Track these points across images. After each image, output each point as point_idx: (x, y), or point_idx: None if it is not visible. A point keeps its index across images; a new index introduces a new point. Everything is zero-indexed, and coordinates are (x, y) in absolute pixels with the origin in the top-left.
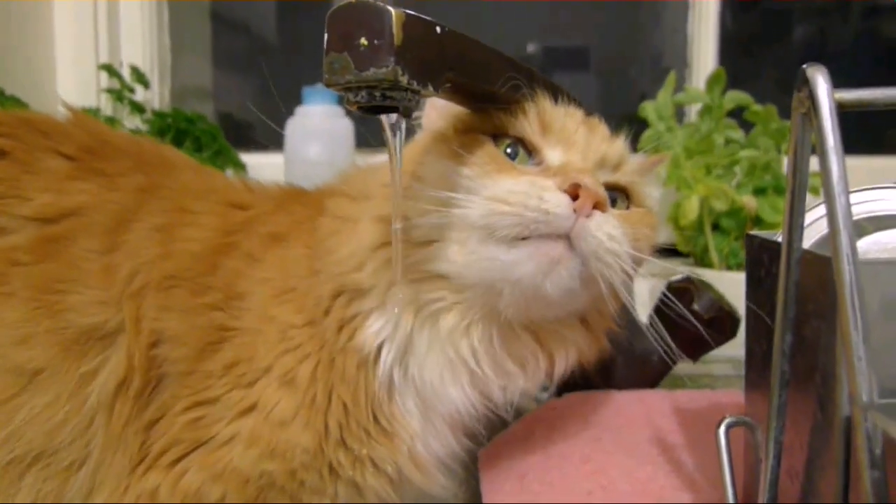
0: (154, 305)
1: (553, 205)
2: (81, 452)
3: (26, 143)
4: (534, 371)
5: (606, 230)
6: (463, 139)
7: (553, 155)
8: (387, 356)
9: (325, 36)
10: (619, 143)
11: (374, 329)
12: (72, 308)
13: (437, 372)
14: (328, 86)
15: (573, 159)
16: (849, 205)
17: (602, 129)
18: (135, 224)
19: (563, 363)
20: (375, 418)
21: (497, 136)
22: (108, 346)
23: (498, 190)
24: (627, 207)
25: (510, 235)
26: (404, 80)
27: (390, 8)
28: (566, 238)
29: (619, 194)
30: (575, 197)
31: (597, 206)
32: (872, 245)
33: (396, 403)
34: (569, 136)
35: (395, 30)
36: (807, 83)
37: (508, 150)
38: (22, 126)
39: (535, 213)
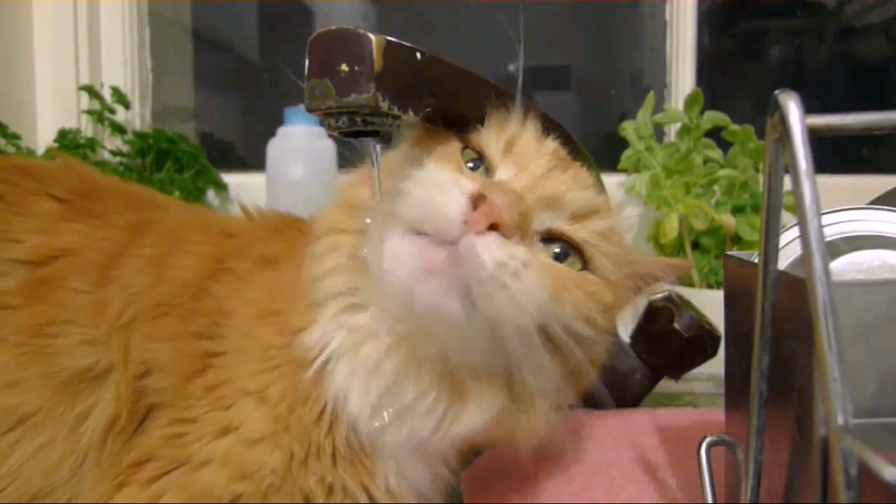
0: (143, 335)
1: (449, 204)
2: (76, 490)
3: (17, 186)
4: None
5: (496, 256)
6: (435, 136)
7: (503, 173)
8: (333, 377)
9: (306, 61)
10: (589, 195)
11: (313, 338)
12: (62, 351)
13: (366, 402)
14: (309, 111)
15: (515, 182)
16: (821, 228)
17: (576, 171)
18: (126, 259)
19: (468, 428)
20: (337, 445)
21: (466, 147)
22: (100, 385)
23: (426, 175)
24: (583, 269)
25: (410, 225)
26: (385, 105)
27: (370, 34)
28: (454, 248)
29: (571, 251)
30: (475, 209)
31: (498, 227)
32: (847, 265)
33: (363, 434)
34: (527, 161)
35: (375, 56)
36: (779, 109)
37: (470, 164)
38: (12, 171)
39: (433, 208)
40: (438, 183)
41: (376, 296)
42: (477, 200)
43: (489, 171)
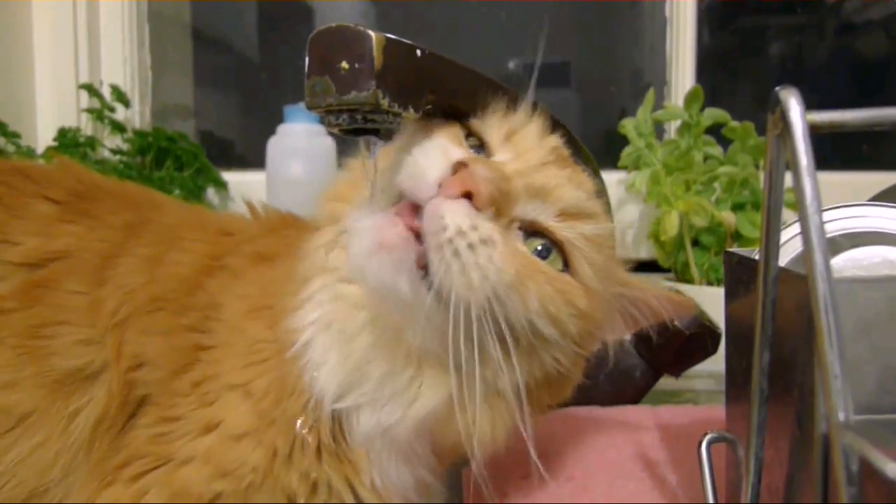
0: (137, 330)
1: (429, 166)
2: (70, 489)
3: (14, 189)
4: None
5: (458, 221)
6: (438, 124)
7: (499, 158)
8: (310, 351)
9: (307, 59)
10: (583, 196)
11: (295, 326)
12: (57, 352)
13: (335, 379)
14: (309, 108)
15: (507, 165)
16: (822, 224)
17: (575, 172)
18: (123, 258)
19: (421, 412)
20: (322, 438)
21: (469, 134)
22: (93, 384)
23: (422, 143)
24: (562, 270)
25: (391, 190)
26: (385, 103)
27: (371, 32)
28: (418, 212)
29: (555, 250)
30: (454, 174)
31: (472, 198)
32: (848, 262)
33: (343, 422)
34: (525, 150)
35: (375, 53)
36: (780, 105)
37: (472, 151)
38: (9, 173)
39: (414, 168)
40: (427, 148)
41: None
42: (457, 167)
43: (488, 156)
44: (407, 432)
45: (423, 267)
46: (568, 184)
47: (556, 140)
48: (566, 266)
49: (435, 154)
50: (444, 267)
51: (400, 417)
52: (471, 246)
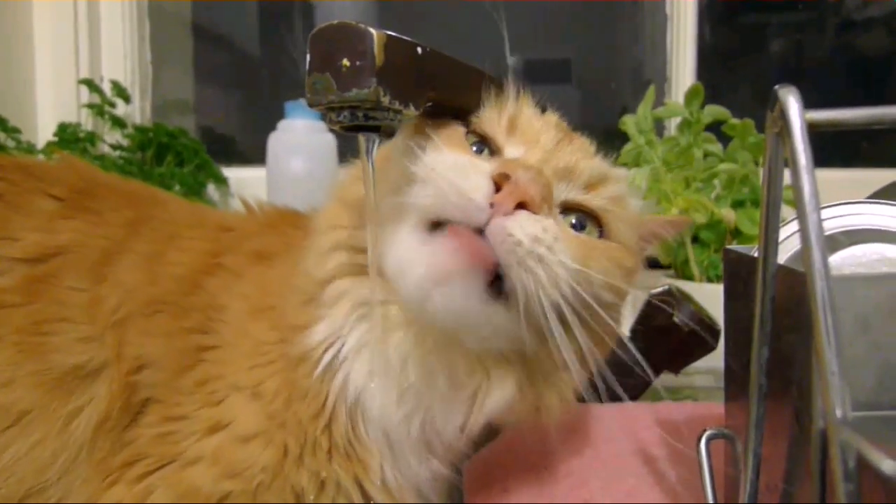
0: (137, 331)
1: (471, 187)
2: (68, 488)
3: (16, 185)
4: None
5: (531, 231)
6: (435, 122)
7: (512, 152)
8: (336, 368)
9: (308, 56)
10: (598, 162)
11: (319, 336)
12: (56, 349)
13: (377, 391)
14: (310, 106)
15: (530, 157)
16: (820, 222)
17: (581, 142)
18: (123, 255)
19: (492, 413)
20: (335, 439)
21: (469, 132)
22: (93, 382)
23: (437, 160)
24: (600, 237)
25: (429, 216)
26: (386, 100)
27: (372, 29)
28: (479, 235)
29: (588, 220)
30: (499, 189)
31: (525, 205)
32: (846, 259)
33: (358, 424)
34: (534, 137)
35: (376, 51)
36: (779, 103)
37: (474, 149)
38: (12, 169)
39: (456, 194)
40: (458, 167)
41: (387, 294)
42: (500, 181)
43: (495, 152)
44: (471, 435)
45: (491, 284)
46: (583, 156)
47: (553, 116)
48: (601, 230)
49: (471, 172)
50: (532, 276)
51: (457, 422)
52: (550, 248)
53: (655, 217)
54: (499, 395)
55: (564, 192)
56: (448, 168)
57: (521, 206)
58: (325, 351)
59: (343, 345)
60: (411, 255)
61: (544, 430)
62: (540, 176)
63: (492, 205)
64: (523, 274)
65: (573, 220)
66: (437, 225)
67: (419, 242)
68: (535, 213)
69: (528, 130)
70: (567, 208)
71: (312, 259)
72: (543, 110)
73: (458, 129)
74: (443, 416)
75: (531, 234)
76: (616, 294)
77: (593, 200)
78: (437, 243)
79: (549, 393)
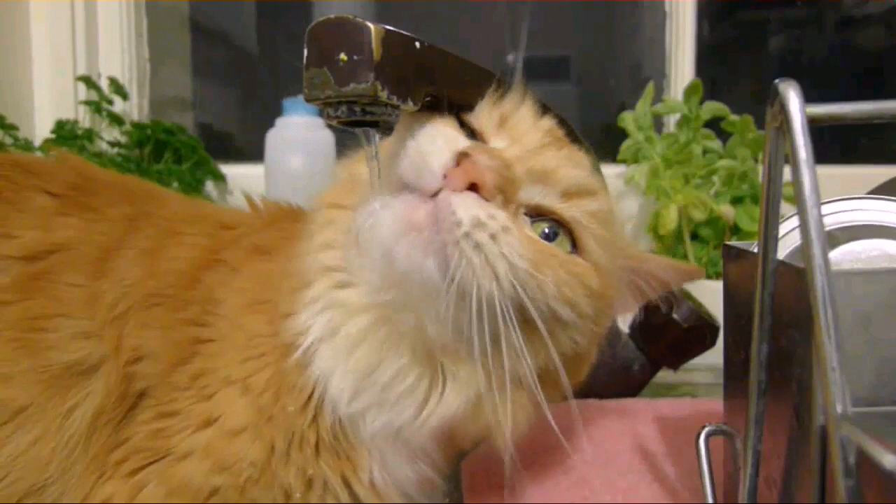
0: (136, 324)
1: (433, 154)
2: (69, 485)
3: (13, 182)
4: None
5: (474, 213)
6: (432, 116)
7: (495, 145)
8: (317, 359)
9: (305, 51)
10: (583, 175)
11: (300, 320)
12: (54, 345)
13: (347, 384)
14: (308, 101)
15: (506, 151)
16: (821, 217)
17: (572, 151)
18: (122, 251)
19: (445, 414)
20: (321, 434)
21: (462, 126)
22: (91, 378)
23: (422, 130)
24: (572, 251)
25: (399, 179)
26: (384, 95)
27: (370, 24)
28: (432, 205)
29: (561, 231)
30: (458, 165)
31: (476, 188)
32: (846, 255)
33: (343, 420)
34: (521, 135)
35: (374, 45)
36: (779, 98)
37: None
38: (9, 166)
39: (418, 157)
40: (430, 135)
41: (361, 268)
42: (459, 158)
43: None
44: (422, 432)
45: (443, 247)
46: (567, 164)
47: (549, 122)
48: (574, 246)
49: (438, 140)
50: (466, 261)
51: (414, 416)
52: (493, 236)
53: (662, 258)
54: (452, 400)
55: (538, 197)
56: (424, 134)
57: (473, 188)
58: (305, 336)
59: (315, 328)
60: (379, 213)
61: (543, 429)
62: (503, 168)
63: (445, 176)
64: (457, 256)
65: (545, 228)
66: (403, 192)
67: (389, 202)
68: (485, 198)
69: (517, 129)
70: (540, 213)
71: (306, 239)
72: (545, 112)
73: (452, 122)
74: (397, 413)
75: (473, 217)
76: (577, 314)
77: (568, 210)
78: (406, 199)
79: (506, 409)
